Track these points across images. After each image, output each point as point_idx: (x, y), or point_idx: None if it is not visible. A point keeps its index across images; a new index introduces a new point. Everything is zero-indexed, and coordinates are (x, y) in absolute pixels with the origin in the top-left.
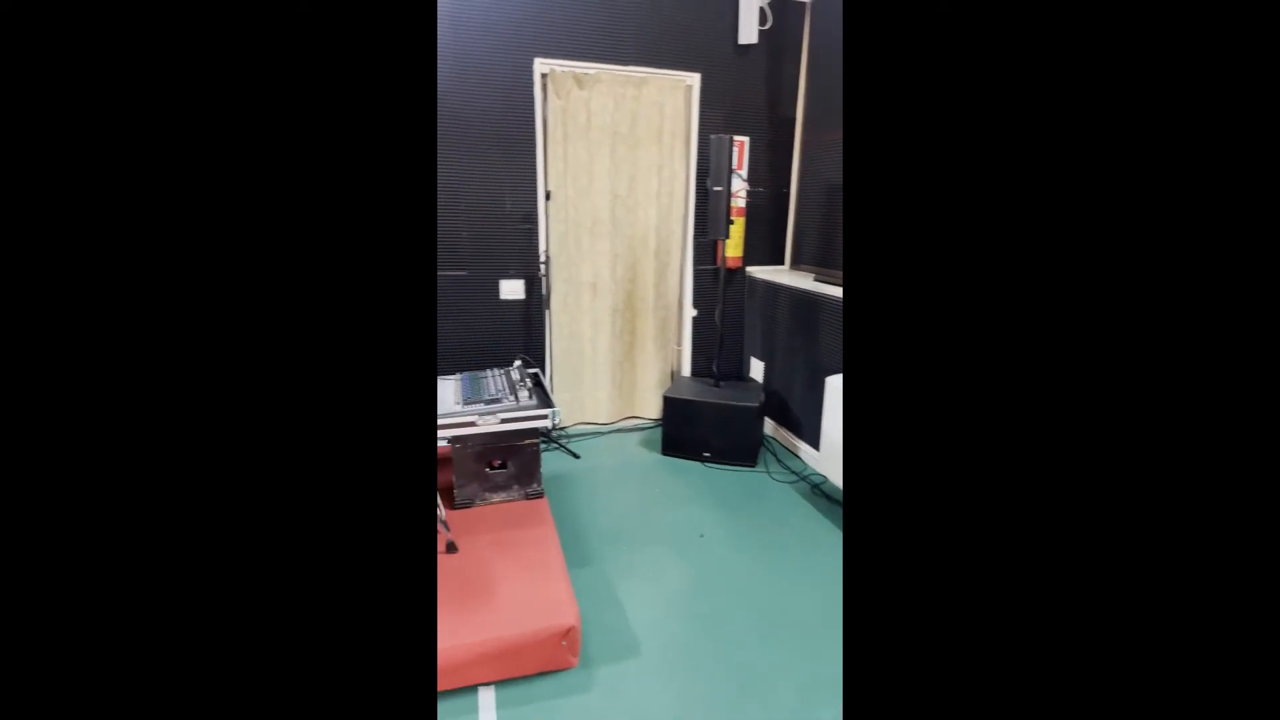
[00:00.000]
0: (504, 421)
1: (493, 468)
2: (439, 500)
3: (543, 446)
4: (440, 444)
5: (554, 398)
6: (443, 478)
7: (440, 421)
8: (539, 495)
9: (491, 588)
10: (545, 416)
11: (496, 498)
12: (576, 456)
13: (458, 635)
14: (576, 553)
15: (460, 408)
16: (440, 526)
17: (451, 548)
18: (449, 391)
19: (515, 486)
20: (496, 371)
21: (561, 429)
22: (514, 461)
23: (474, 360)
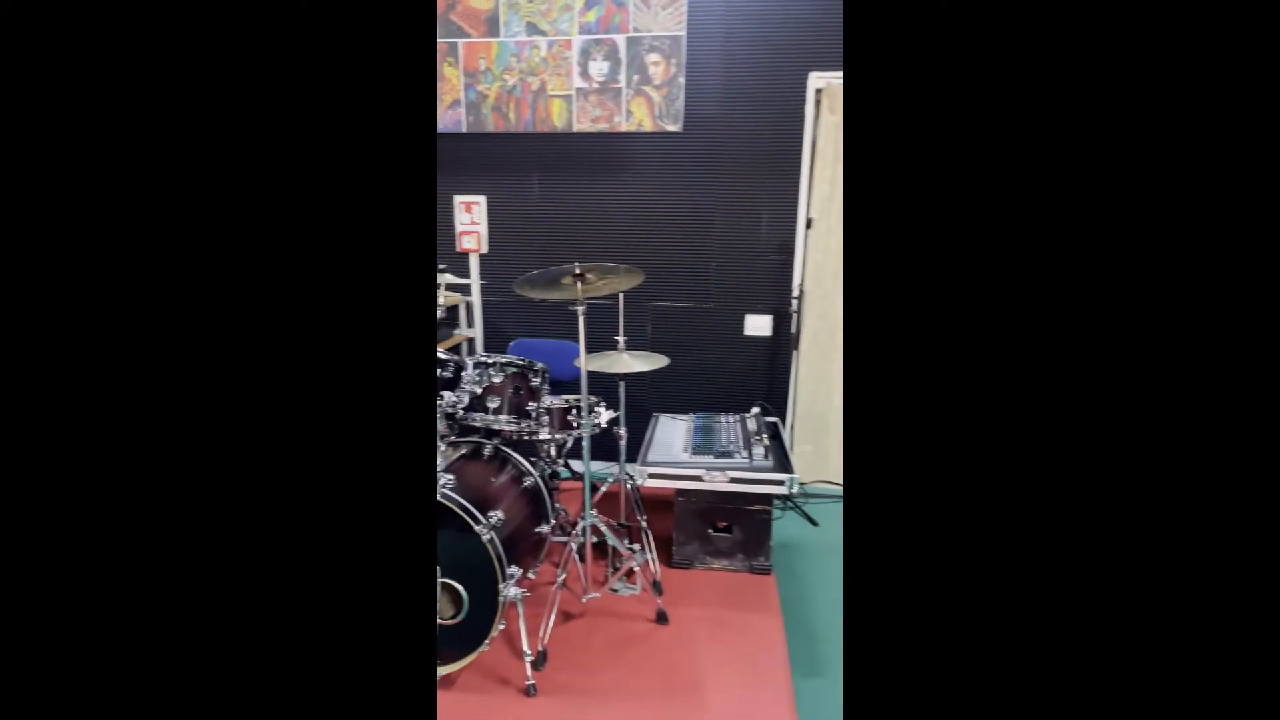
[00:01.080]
0: (733, 481)
1: (717, 529)
2: (655, 557)
3: (776, 506)
4: (663, 485)
5: (793, 452)
6: (662, 527)
7: (665, 470)
8: (766, 571)
9: (699, 687)
10: (781, 483)
11: (718, 564)
12: (814, 523)
13: None
14: (805, 654)
15: (687, 458)
16: (649, 588)
17: (662, 618)
18: (678, 435)
19: (740, 555)
20: (731, 418)
21: (800, 487)
22: (741, 527)
23: (709, 400)
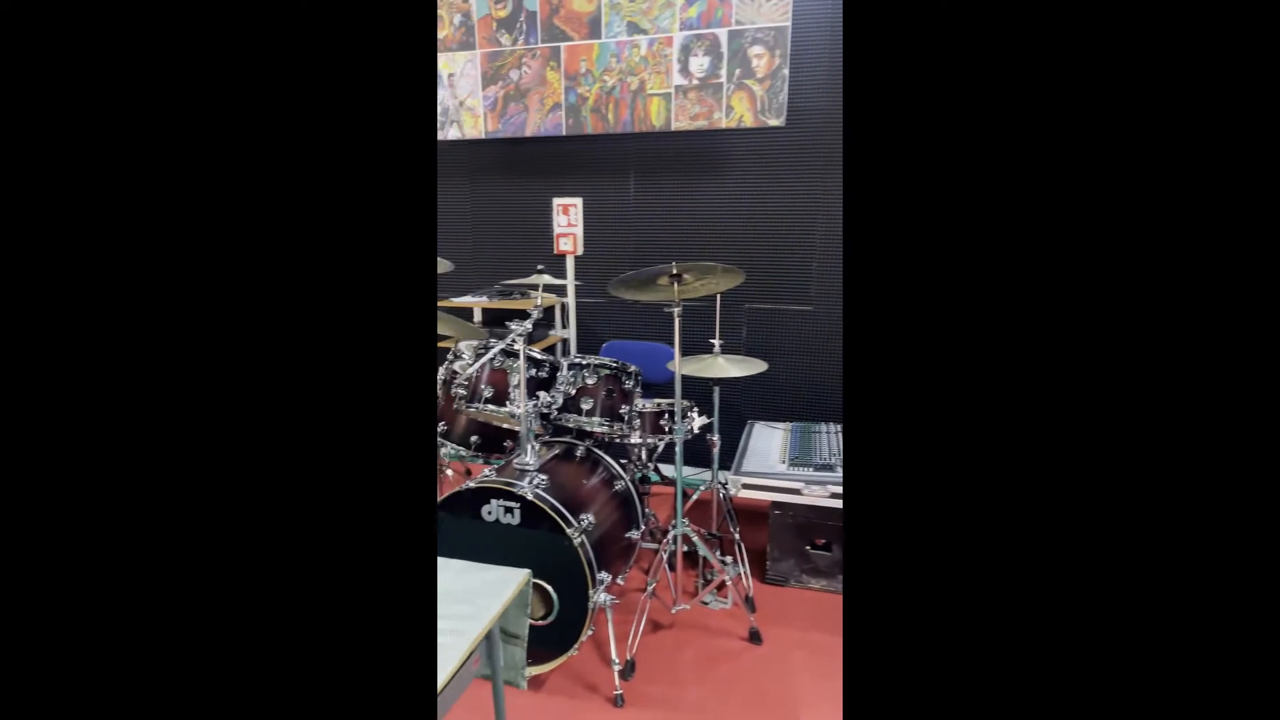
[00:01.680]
0: (834, 496)
1: (815, 547)
2: (748, 571)
3: None
4: (758, 496)
5: None
6: (756, 540)
7: (760, 481)
8: None
9: (793, 714)
10: None
11: (815, 584)
12: None
13: None
14: None
15: (784, 468)
16: (741, 603)
17: (755, 637)
18: (775, 444)
19: (840, 575)
20: (832, 428)
21: None
22: (841, 546)
23: (810, 408)
